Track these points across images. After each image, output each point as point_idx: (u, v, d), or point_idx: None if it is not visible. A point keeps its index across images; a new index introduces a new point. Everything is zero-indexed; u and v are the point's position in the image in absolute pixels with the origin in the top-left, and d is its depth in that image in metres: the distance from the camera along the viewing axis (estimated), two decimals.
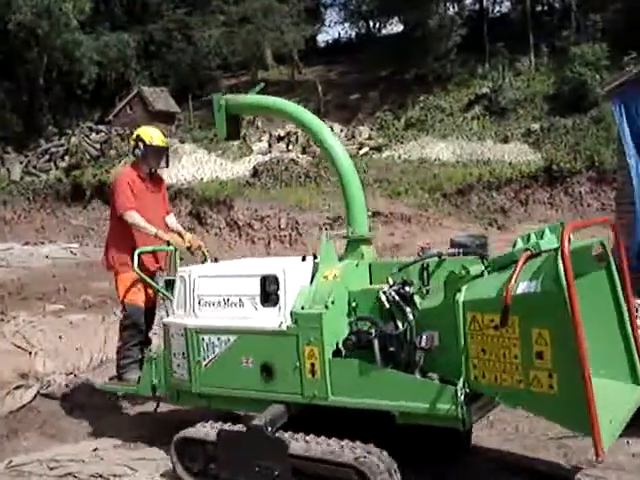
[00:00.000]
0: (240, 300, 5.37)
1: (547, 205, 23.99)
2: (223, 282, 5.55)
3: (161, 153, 6.95)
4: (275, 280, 5.24)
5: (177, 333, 5.63)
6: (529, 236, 4.76)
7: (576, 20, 39.84)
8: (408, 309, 4.84)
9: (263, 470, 4.98)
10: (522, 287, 4.32)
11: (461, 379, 4.60)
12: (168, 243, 6.55)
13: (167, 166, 7.10)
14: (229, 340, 5.36)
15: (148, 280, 6.41)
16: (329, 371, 5.00)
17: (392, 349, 4.87)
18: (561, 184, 23.98)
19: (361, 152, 30.15)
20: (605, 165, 22.76)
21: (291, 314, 5.12)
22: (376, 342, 4.87)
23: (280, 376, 5.18)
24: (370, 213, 5.75)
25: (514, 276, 4.30)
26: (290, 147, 31.06)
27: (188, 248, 6.61)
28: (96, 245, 23.85)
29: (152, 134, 6.89)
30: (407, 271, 5.18)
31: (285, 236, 22.37)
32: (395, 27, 52.33)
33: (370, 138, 32.75)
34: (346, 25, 57.99)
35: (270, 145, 31.55)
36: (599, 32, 36.11)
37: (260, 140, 31.89)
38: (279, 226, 22.62)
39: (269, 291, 5.26)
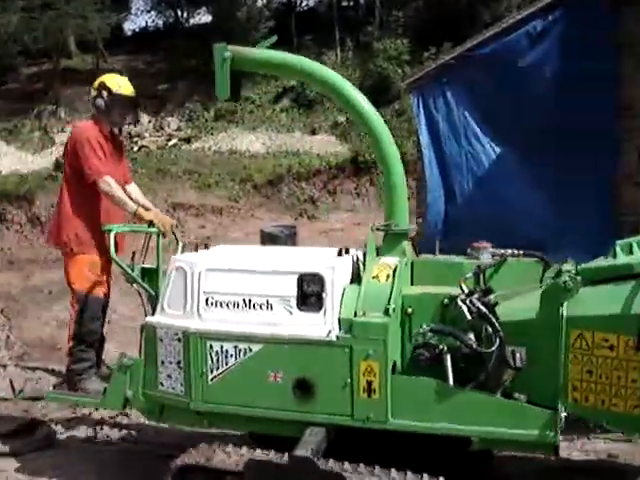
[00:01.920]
0: (267, 302, 4.49)
1: (354, 195, 24.60)
2: (242, 278, 4.58)
3: (129, 105, 5.93)
4: (319, 280, 4.42)
5: (169, 337, 4.67)
6: (631, 245, 4.40)
7: (380, 16, 41.09)
8: (497, 322, 4.24)
9: None
10: None
11: (559, 402, 4.16)
12: (150, 223, 5.38)
13: (135, 123, 6.12)
14: (250, 350, 4.47)
15: (127, 269, 5.23)
16: (391, 390, 4.32)
17: (470, 366, 4.29)
18: (367, 174, 24.68)
19: (170, 143, 29.65)
20: (407, 156, 23.59)
21: (341, 322, 4.36)
22: (448, 357, 4.30)
23: (322, 395, 4.40)
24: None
25: None
26: None
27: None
28: None
29: (119, 81, 5.82)
30: (462, 274, 4.64)
31: None
32: (204, 17, 51.98)
33: (179, 129, 32.27)
34: (153, 14, 56.83)
35: None
36: (401, 28, 37.39)
37: (63, 131, 30.58)
38: None
39: (309, 292, 4.44)
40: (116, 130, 6.00)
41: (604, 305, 4.07)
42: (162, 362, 4.75)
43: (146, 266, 5.36)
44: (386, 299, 4.39)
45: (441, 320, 4.44)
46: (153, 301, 5.12)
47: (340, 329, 4.36)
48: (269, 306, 4.49)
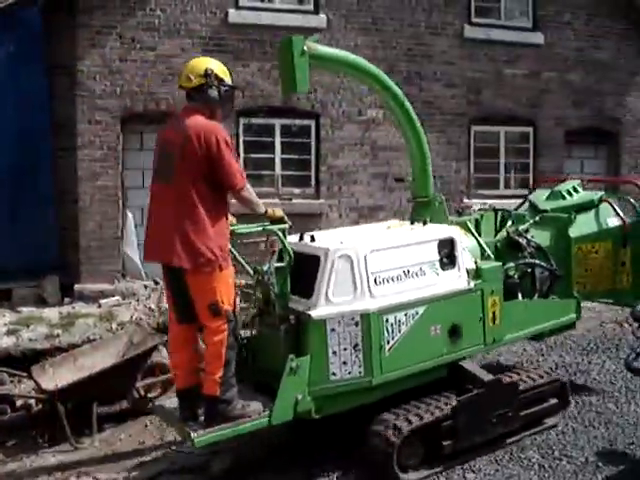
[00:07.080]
0: (421, 269, 5.14)
1: None
2: (398, 253, 5.12)
3: (234, 99, 5.17)
4: (452, 242, 5.33)
5: (343, 324, 4.82)
6: (560, 192, 6.70)
7: None
8: (546, 249, 6.12)
9: (498, 418, 5.27)
10: (612, 222, 6.48)
11: (574, 293, 6.22)
12: (278, 220, 5.05)
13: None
14: (417, 313, 5.06)
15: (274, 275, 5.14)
16: (504, 314, 5.54)
17: (525, 283, 5.97)
18: None
19: None
20: None
21: (469, 272, 5.38)
22: (517, 281, 5.90)
23: (466, 333, 5.32)
24: None
25: (621, 215, 6.51)
26: None
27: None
28: None
29: (224, 68, 4.92)
30: (464, 223, 6.04)
31: None
32: None
33: None
34: None
35: None
36: None
37: None
38: None
39: (446, 254, 5.28)
40: None
41: (587, 227, 6.42)
42: (334, 352, 4.83)
43: (279, 264, 5.05)
44: (479, 249, 5.81)
45: (497, 258, 5.87)
46: (276, 301, 5.03)
47: (474, 277, 5.42)
48: (422, 272, 5.16)
